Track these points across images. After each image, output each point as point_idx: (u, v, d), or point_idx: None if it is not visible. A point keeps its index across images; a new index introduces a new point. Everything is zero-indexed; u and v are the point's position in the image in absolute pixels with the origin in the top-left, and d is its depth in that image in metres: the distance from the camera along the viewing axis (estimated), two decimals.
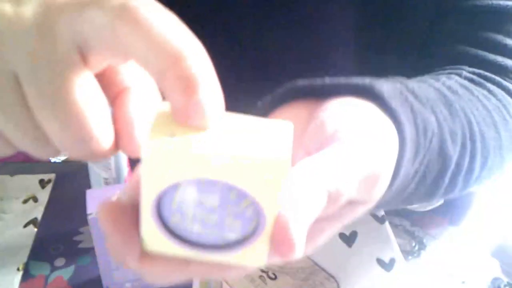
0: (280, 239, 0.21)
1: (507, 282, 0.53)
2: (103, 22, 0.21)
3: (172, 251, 0.23)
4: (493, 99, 0.47)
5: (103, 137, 0.22)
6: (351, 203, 0.27)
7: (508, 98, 0.48)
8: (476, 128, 0.42)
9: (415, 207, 0.63)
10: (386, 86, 0.32)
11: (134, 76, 0.25)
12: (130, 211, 0.23)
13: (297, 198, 0.22)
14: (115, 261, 0.23)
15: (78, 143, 0.22)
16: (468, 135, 0.41)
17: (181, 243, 0.22)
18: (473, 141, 0.41)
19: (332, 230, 0.28)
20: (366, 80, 0.32)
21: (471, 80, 0.48)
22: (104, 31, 0.21)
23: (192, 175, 0.20)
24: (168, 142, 0.20)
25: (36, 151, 0.24)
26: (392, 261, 0.56)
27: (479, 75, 0.49)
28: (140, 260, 0.23)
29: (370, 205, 0.29)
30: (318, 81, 0.32)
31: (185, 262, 0.23)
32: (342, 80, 0.32)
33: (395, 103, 0.31)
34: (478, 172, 0.43)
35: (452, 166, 0.39)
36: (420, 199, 0.41)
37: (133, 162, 0.59)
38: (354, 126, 0.28)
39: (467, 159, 0.41)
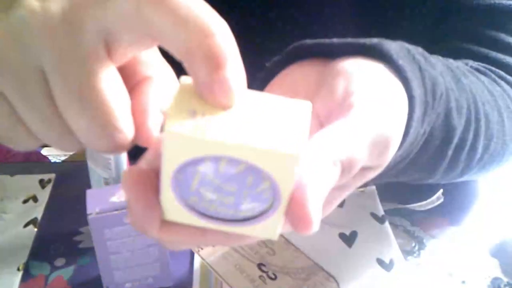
0: (297, 216, 0.22)
1: (507, 282, 0.53)
2: (129, 7, 0.21)
3: (190, 221, 0.23)
4: (498, 88, 0.47)
5: (128, 128, 0.23)
6: (362, 169, 0.27)
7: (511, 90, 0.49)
8: (481, 108, 0.42)
9: (415, 206, 0.63)
10: (395, 45, 0.32)
11: (152, 67, 0.26)
12: (152, 179, 0.23)
13: (312, 174, 0.23)
14: (136, 229, 0.24)
15: (103, 135, 0.22)
16: (473, 112, 0.41)
17: (199, 215, 0.23)
18: (477, 120, 0.42)
19: (342, 197, 0.29)
20: (374, 40, 0.32)
21: (477, 69, 0.49)
22: (130, 15, 0.21)
23: (208, 153, 0.21)
24: (188, 121, 0.21)
25: (60, 145, 0.24)
26: (392, 261, 0.56)
27: (484, 67, 0.50)
28: (160, 228, 0.23)
29: (380, 169, 0.29)
30: (326, 41, 0.32)
31: (202, 230, 0.24)
32: (350, 40, 0.32)
33: (402, 62, 0.31)
34: (481, 154, 0.43)
35: (456, 139, 0.39)
36: (423, 170, 0.41)
37: (133, 162, 0.59)
38: (364, 90, 0.28)
39: (471, 136, 0.41)
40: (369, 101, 0.28)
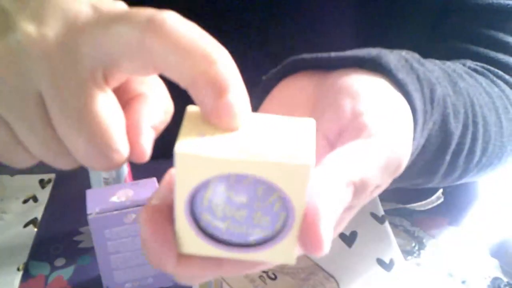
0: (308, 237, 0.22)
1: (507, 282, 0.53)
2: (132, 38, 0.22)
3: (205, 251, 0.23)
4: (495, 89, 0.47)
5: (124, 148, 0.24)
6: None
7: (510, 90, 0.49)
8: (478, 111, 0.42)
9: (415, 206, 0.63)
10: (392, 56, 0.32)
11: (145, 84, 0.26)
12: (166, 214, 0.23)
13: (325, 194, 0.23)
14: (152, 265, 0.24)
15: (100, 156, 0.23)
16: (470, 116, 0.41)
17: (213, 242, 0.23)
18: (475, 123, 0.42)
19: (350, 217, 0.29)
20: (372, 52, 0.32)
21: (475, 70, 0.48)
22: (134, 46, 0.22)
23: (222, 172, 0.21)
24: (199, 140, 0.21)
25: (57, 163, 0.25)
26: (392, 261, 0.56)
27: (482, 67, 0.49)
28: (177, 263, 0.24)
29: (386, 186, 0.29)
30: (323, 55, 0.32)
31: (218, 262, 0.24)
32: (347, 53, 0.32)
33: (402, 75, 0.31)
34: (479, 156, 0.43)
35: (454, 144, 0.39)
36: (420, 176, 0.41)
37: (133, 162, 0.59)
38: (373, 110, 0.28)
39: (468, 140, 0.41)
40: (381, 122, 0.28)
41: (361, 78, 0.31)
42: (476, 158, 0.43)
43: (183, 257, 0.24)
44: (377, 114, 0.28)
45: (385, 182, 0.28)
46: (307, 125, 0.23)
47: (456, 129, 0.38)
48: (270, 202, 0.22)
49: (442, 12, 0.56)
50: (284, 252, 0.23)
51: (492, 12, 0.53)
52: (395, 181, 0.38)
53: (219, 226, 0.23)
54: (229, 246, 0.23)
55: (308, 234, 0.22)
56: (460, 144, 0.40)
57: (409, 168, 0.36)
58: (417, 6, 0.57)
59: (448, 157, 0.40)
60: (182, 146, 0.21)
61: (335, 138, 0.29)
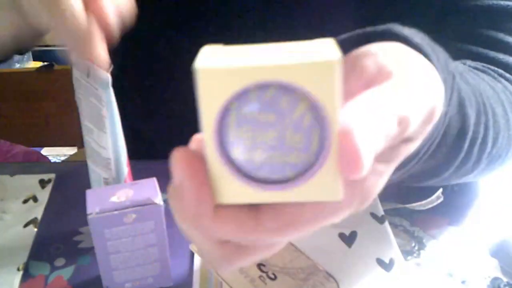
0: (344, 150, 0.20)
1: (507, 282, 0.53)
2: None
3: (242, 194, 0.22)
4: (499, 84, 0.47)
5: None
6: (405, 141, 0.26)
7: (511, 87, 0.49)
8: (487, 102, 0.42)
9: (415, 205, 0.63)
10: (405, 28, 0.32)
11: None
12: (202, 161, 0.22)
13: (367, 118, 0.21)
14: (188, 219, 0.23)
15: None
16: (481, 105, 0.41)
17: (248, 180, 0.22)
18: (486, 113, 0.41)
19: (388, 172, 0.28)
20: (382, 26, 0.31)
21: (476, 68, 0.48)
22: None
23: (246, 81, 0.20)
24: (217, 59, 0.21)
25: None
26: (392, 261, 0.56)
27: (483, 66, 0.50)
28: (214, 215, 0.23)
29: (417, 143, 0.28)
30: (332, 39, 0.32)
31: (256, 215, 0.23)
32: (359, 30, 0.31)
33: (417, 40, 0.31)
34: (490, 148, 0.43)
35: (471, 130, 0.39)
36: (442, 164, 0.40)
37: (133, 162, 0.59)
38: (397, 61, 0.27)
39: (482, 129, 0.41)
40: (407, 69, 0.26)
41: (378, 43, 0.30)
42: (488, 149, 0.43)
43: (219, 209, 0.23)
44: (402, 64, 0.27)
45: (420, 131, 0.27)
46: (327, 40, 0.22)
47: (472, 113, 0.38)
48: (298, 115, 0.20)
49: (442, 13, 0.56)
50: (327, 184, 0.21)
51: (492, 13, 0.53)
52: (416, 170, 0.37)
53: (251, 158, 0.21)
54: (266, 184, 0.21)
55: (344, 147, 0.20)
56: (475, 132, 0.40)
57: (430, 155, 0.36)
58: (417, 7, 0.57)
59: (466, 144, 0.39)
60: (202, 63, 0.20)
61: (364, 90, 0.28)
